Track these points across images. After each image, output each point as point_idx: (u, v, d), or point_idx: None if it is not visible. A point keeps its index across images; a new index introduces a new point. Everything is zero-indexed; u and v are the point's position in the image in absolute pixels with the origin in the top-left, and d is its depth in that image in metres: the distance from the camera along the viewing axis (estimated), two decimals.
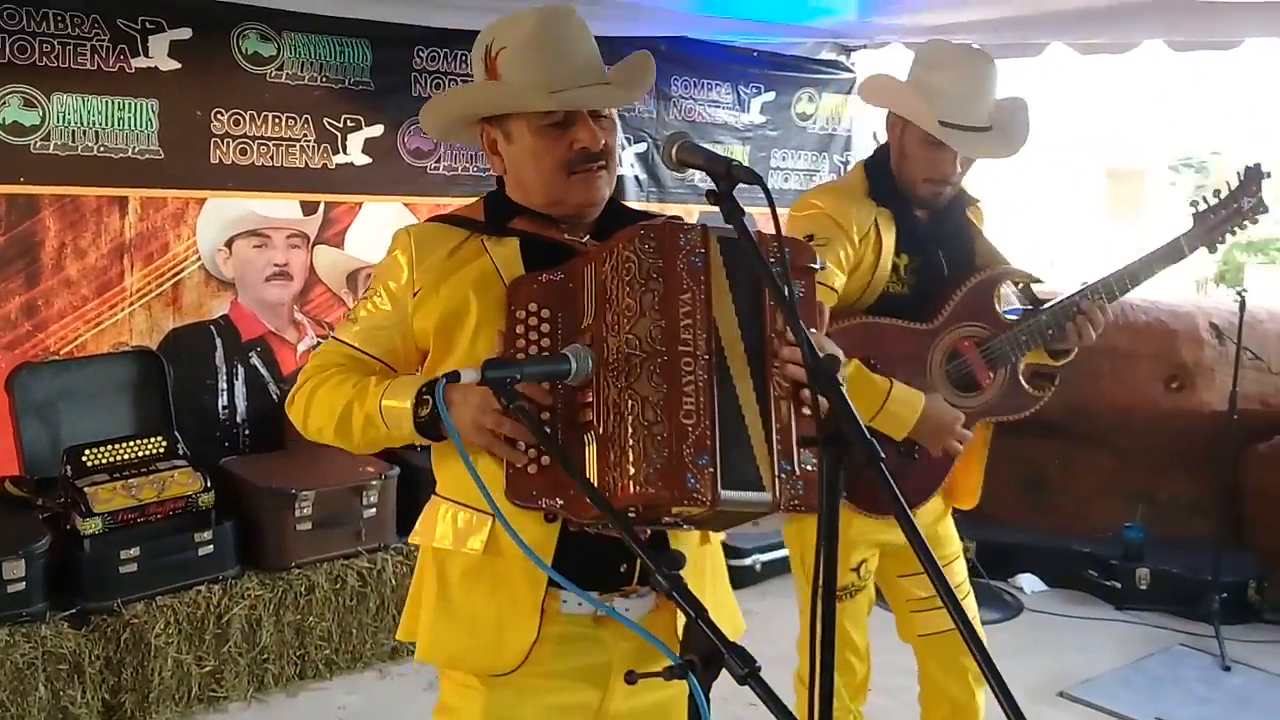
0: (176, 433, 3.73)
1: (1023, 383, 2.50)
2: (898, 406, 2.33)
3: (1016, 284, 2.53)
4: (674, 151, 1.50)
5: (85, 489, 3.39)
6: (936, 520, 2.61)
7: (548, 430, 1.51)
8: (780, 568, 4.71)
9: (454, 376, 1.38)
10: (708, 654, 1.09)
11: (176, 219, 3.97)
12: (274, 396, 4.21)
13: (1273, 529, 4.72)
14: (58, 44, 3.64)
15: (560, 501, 1.53)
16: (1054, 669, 4.03)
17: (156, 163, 3.87)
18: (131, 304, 3.89)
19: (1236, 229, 2.52)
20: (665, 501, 1.44)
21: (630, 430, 1.44)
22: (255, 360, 4.17)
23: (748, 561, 4.69)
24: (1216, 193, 2.53)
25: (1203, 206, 2.53)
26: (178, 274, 3.99)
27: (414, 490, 3.84)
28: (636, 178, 5.15)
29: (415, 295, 1.69)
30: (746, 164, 5.23)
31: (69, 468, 3.46)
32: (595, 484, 1.47)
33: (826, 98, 5.73)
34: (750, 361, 1.49)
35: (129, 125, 3.81)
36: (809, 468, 1.51)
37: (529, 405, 1.48)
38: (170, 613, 3.45)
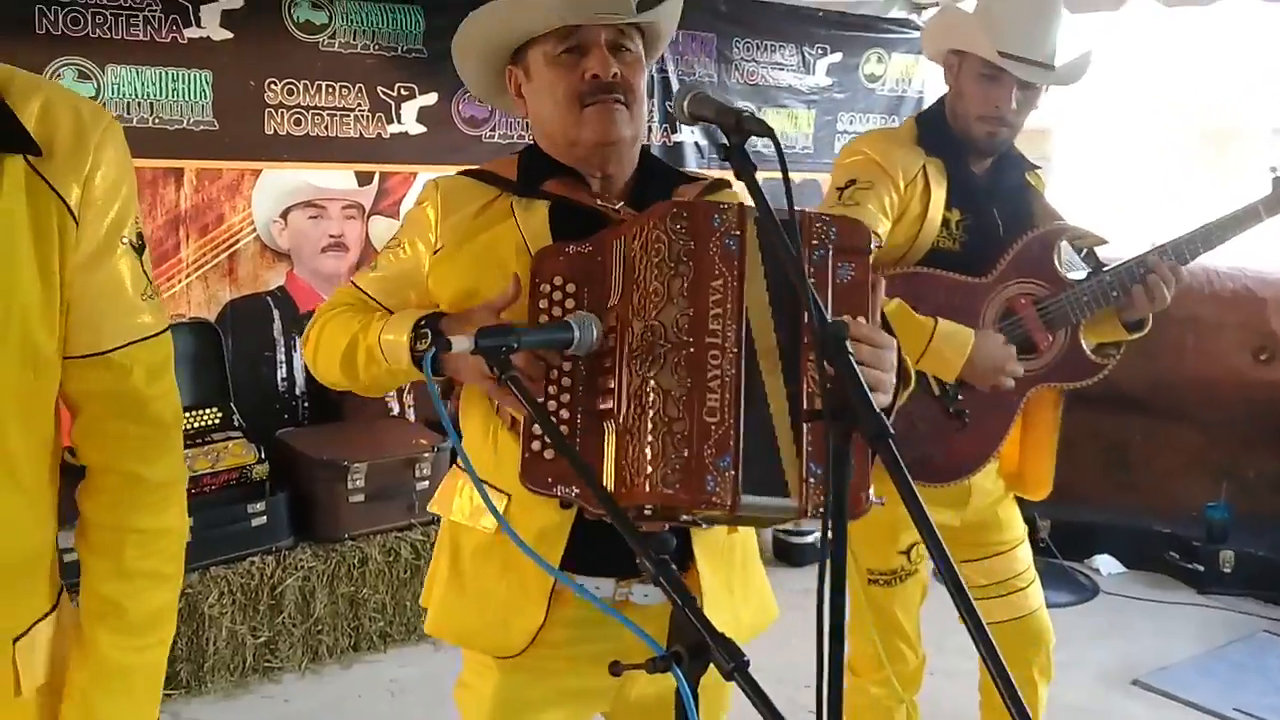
0: (233, 404, 3.74)
1: (1084, 348, 2.34)
2: (944, 345, 2.19)
3: (1080, 247, 2.37)
4: (685, 104, 1.40)
5: None
6: (995, 502, 2.47)
7: (557, 406, 1.43)
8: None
9: (445, 345, 1.30)
10: (695, 646, 1.00)
11: (232, 190, 3.96)
12: None
13: None
14: (110, 15, 3.63)
15: (576, 490, 1.44)
16: (1129, 655, 3.86)
17: (211, 134, 3.87)
18: (188, 275, 3.90)
19: None
20: (683, 504, 1.37)
21: (650, 425, 1.35)
22: None
23: (809, 539, 4.58)
24: None
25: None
26: (233, 245, 3.99)
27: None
28: (697, 144, 5.03)
29: (436, 253, 1.63)
30: (812, 129, 5.07)
31: None
32: (613, 476, 1.40)
33: (896, 58, 5.53)
34: (783, 355, 1.38)
35: (183, 96, 3.81)
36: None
37: (549, 383, 1.42)
38: (224, 583, 3.46)
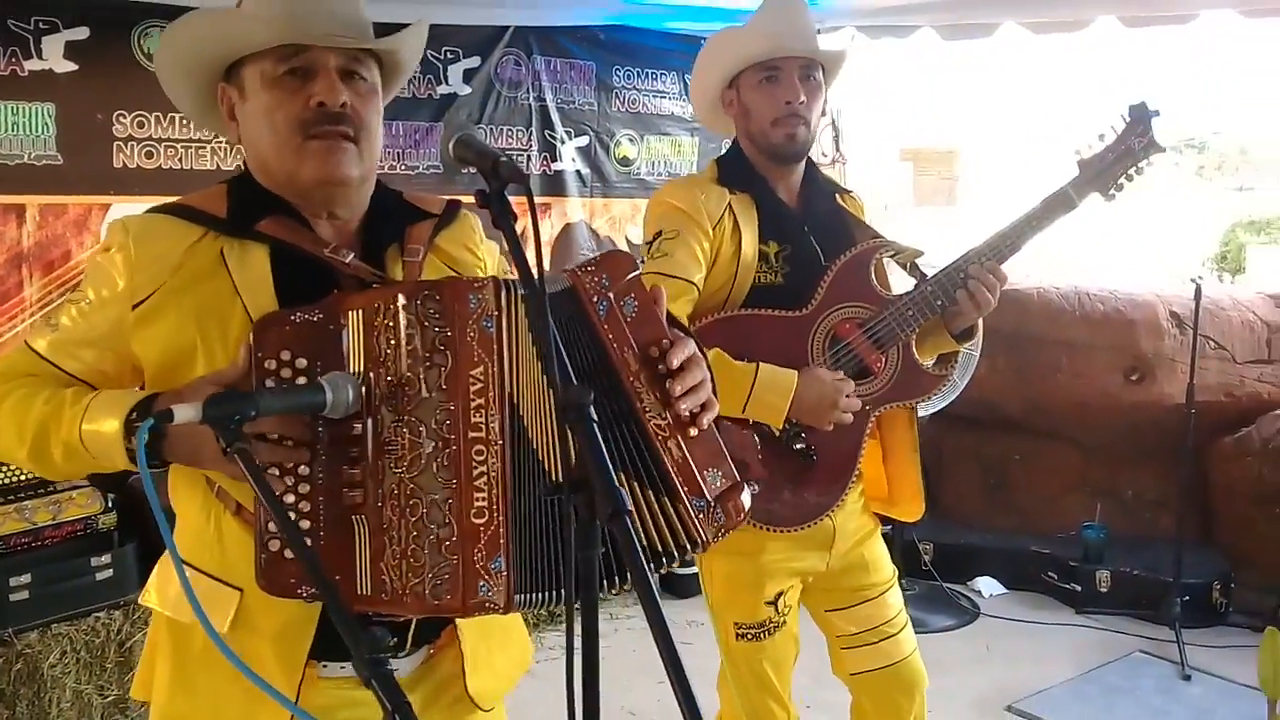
0: None
1: (920, 362, 2.29)
2: (766, 392, 2.13)
3: (901, 262, 2.33)
4: (451, 148, 1.33)
5: None
6: (861, 542, 2.40)
7: (295, 498, 1.29)
8: None
9: (166, 416, 1.18)
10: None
11: (79, 226, 3.79)
12: None
13: (1237, 526, 4.56)
14: None
15: (310, 592, 1.30)
16: (1006, 680, 3.87)
17: (55, 168, 3.70)
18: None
19: (1133, 172, 2.29)
20: (455, 612, 1.32)
21: (415, 533, 1.28)
22: None
23: (693, 570, 4.52)
24: (1101, 136, 2.30)
25: (1087, 154, 2.30)
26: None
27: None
28: (579, 172, 4.97)
29: (135, 309, 1.41)
30: (696, 155, 5.04)
31: None
32: (369, 580, 1.30)
33: None
34: (617, 420, 1.35)
35: (24, 130, 3.64)
36: (713, 484, 1.41)
37: (284, 458, 1.29)
38: (67, 641, 3.27)
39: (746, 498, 1.43)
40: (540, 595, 1.30)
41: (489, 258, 1.65)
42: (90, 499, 3.41)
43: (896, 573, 2.49)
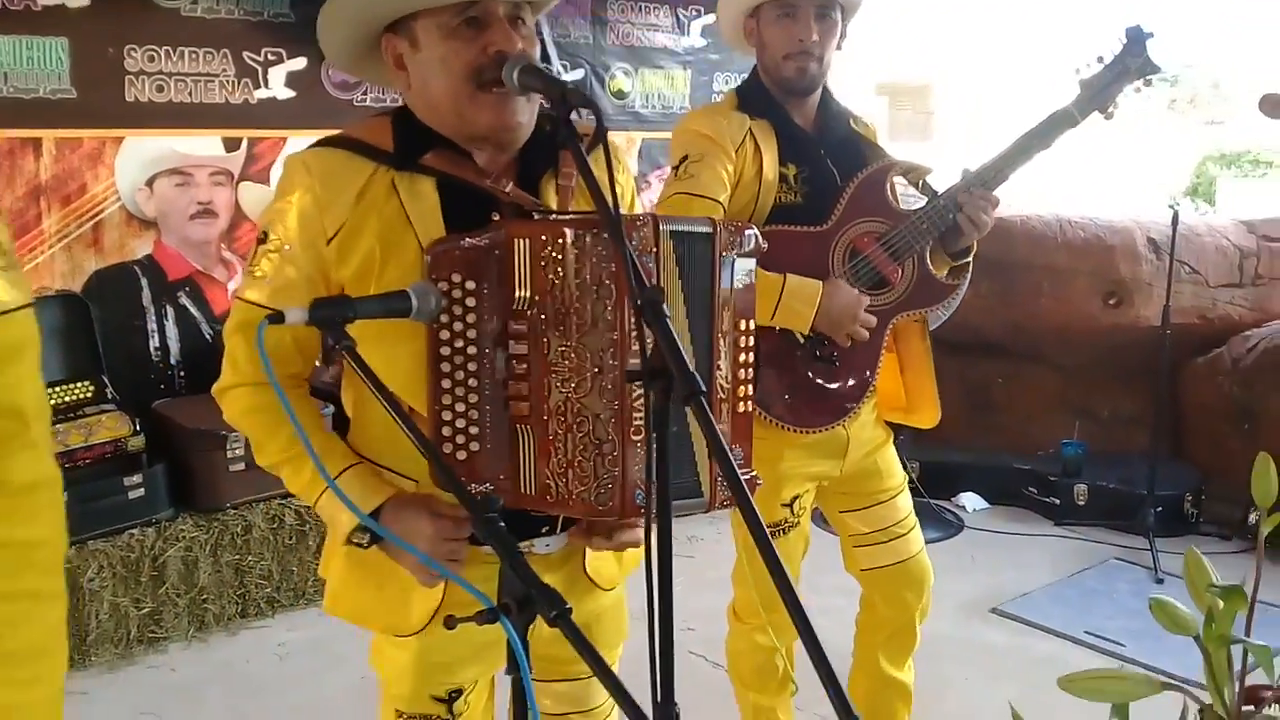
0: (105, 376, 3.70)
1: (933, 272, 2.43)
2: (793, 299, 2.28)
3: (913, 180, 2.47)
4: (515, 75, 1.45)
5: None
6: (874, 450, 2.56)
7: (465, 407, 1.47)
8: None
9: (278, 317, 1.33)
10: (522, 598, 1.09)
11: (93, 159, 3.88)
12: (207, 337, 4.16)
13: (1208, 442, 4.79)
14: None
15: (490, 486, 1.49)
16: (989, 586, 4.09)
17: (69, 101, 3.78)
18: (51, 246, 3.83)
19: (1130, 90, 2.43)
20: (614, 515, 1.47)
21: (581, 446, 1.44)
22: (185, 300, 4.12)
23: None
24: (1100, 58, 2.43)
25: (1087, 73, 2.43)
26: (97, 215, 3.91)
27: (347, 429, 3.83)
28: None
29: (330, 242, 1.53)
30: (688, 89, 5.13)
31: None
32: (533, 482, 1.47)
33: None
34: (697, 364, 1.47)
35: (38, 65, 3.71)
36: (738, 460, 1.56)
37: (456, 381, 1.47)
38: (104, 556, 3.45)
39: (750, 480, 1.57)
40: (685, 502, 1.45)
41: (629, 182, 1.78)
42: (119, 422, 3.56)
43: (907, 479, 2.67)
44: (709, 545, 4.04)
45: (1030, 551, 4.46)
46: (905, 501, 2.61)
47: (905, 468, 2.71)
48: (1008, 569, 4.27)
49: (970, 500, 4.97)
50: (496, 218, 1.55)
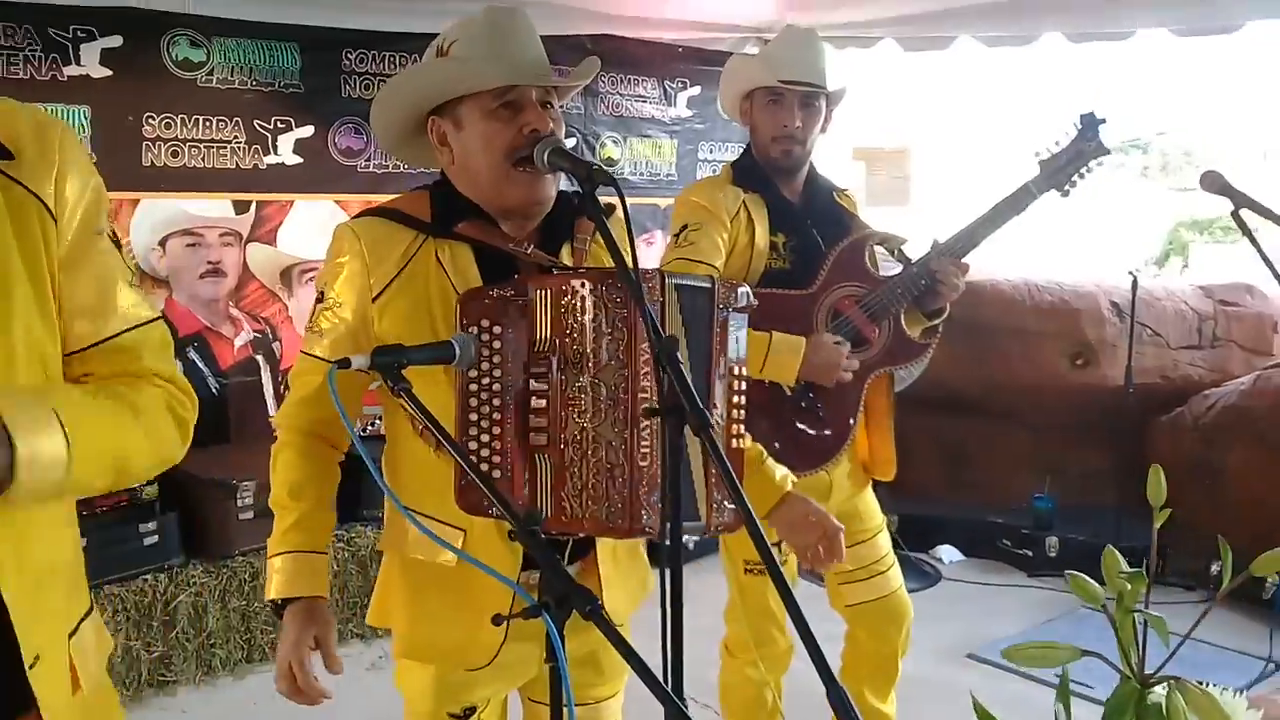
0: None
1: (907, 332, 2.67)
2: (780, 353, 2.49)
3: (889, 248, 2.70)
4: (545, 156, 1.66)
5: None
6: (853, 495, 2.77)
7: (489, 439, 1.65)
8: (711, 546, 4.91)
9: (345, 363, 1.53)
10: (560, 597, 1.27)
11: (110, 219, 4.07)
12: (213, 390, 4.32)
13: (1173, 496, 4.94)
14: None
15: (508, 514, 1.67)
16: (965, 633, 4.27)
17: None
18: None
19: (1084, 171, 2.66)
20: (620, 534, 1.66)
21: (594, 469, 1.62)
22: (193, 355, 4.28)
23: (683, 540, 4.88)
24: (1057, 142, 2.68)
25: (1045, 155, 2.68)
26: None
27: (355, 480, 3.99)
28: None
29: (375, 300, 1.73)
30: (675, 157, 5.39)
31: None
32: (550, 504, 1.64)
33: None
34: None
35: None
36: (730, 505, 1.73)
37: (482, 417, 1.64)
38: (118, 600, 3.57)
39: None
40: (687, 524, 1.58)
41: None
42: None
43: (885, 521, 2.87)
44: (695, 594, 4.19)
45: (1004, 600, 4.64)
46: (885, 541, 2.82)
47: (885, 520, 2.90)
48: (982, 617, 4.44)
49: (947, 553, 5.15)
50: (522, 275, 1.75)
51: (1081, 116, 2.67)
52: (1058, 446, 5.30)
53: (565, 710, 1.30)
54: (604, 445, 1.62)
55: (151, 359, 1.32)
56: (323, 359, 1.76)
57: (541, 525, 1.68)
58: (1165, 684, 1.29)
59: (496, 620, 1.36)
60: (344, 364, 1.52)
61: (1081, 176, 2.68)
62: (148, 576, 3.66)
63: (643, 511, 1.61)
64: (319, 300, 1.81)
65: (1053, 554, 4.89)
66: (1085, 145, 2.65)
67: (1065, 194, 2.70)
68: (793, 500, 2.04)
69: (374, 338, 1.75)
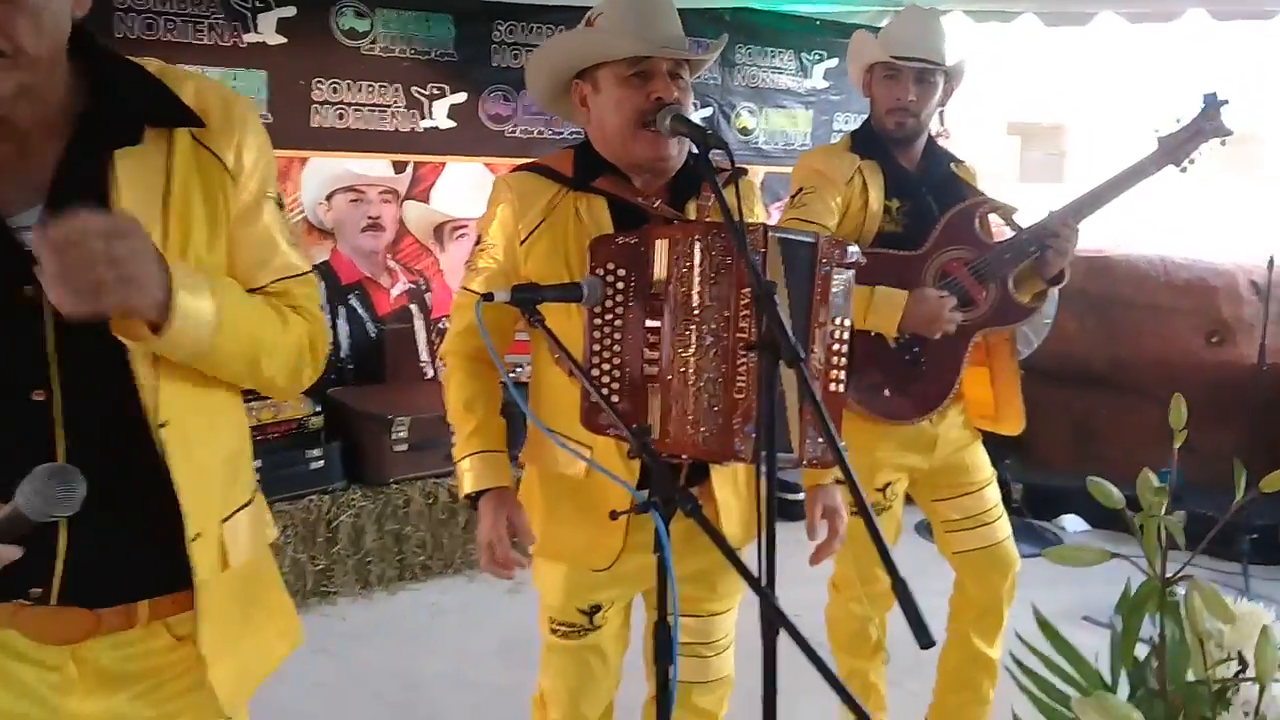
0: None
1: (1014, 295, 2.75)
2: (883, 304, 2.62)
3: (1001, 216, 2.79)
4: (667, 122, 1.86)
5: None
6: (963, 448, 2.87)
7: (610, 368, 1.87)
8: None
9: (489, 297, 1.75)
10: (666, 498, 1.47)
11: (283, 176, 4.43)
12: (372, 335, 4.69)
13: None
14: (180, 21, 4.10)
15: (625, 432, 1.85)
16: (1082, 597, 4.29)
17: (266, 125, 4.27)
18: None
19: (1204, 148, 2.71)
20: (716, 458, 1.86)
21: (693, 399, 1.80)
22: (354, 302, 4.65)
23: (800, 496, 5.05)
24: (1178, 119, 2.74)
25: (1164, 131, 2.74)
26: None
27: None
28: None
29: (523, 244, 1.96)
30: (810, 127, 5.52)
31: None
32: (658, 427, 1.83)
33: None
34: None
35: (243, 93, 4.28)
36: (820, 440, 1.87)
37: (605, 349, 1.86)
38: (287, 517, 3.96)
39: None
40: (779, 455, 1.73)
41: (761, 211, 2.16)
42: (302, 403, 4.08)
43: (995, 474, 2.95)
44: (807, 546, 4.36)
45: (1125, 570, 4.64)
46: (993, 494, 2.91)
47: (1009, 489, 2.98)
48: (1100, 584, 4.41)
49: (1071, 522, 5.18)
50: (648, 225, 1.96)
51: (1204, 96, 2.73)
52: (1189, 423, 5.22)
53: (669, 595, 1.51)
54: (704, 378, 1.80)
55: (300, 300, 1.49)
56: (477, 293, 1.97)
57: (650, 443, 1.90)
58: (1184, 584, 1.43)
59: (613, 515, 1.57)
60: (488, 298, 1.75)
61: (1200, 154, 2.74)
62: (313, 497, 4.04)
63: (735, 439, 1.77)
64: (477, 242, 2.06)
65: (1180, 540, 4.85)
66: (1205, 124, 2.70)
67: (1183, 170, 2.75)
68: (831, 490, 2.17)
69: (522, 277, 1.97)
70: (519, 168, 2.07)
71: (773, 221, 2.09)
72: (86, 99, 1.34)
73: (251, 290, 1.45)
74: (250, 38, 4.27)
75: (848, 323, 1.96)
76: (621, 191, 1.99)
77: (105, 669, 1.40)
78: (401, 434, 4.15)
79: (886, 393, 2.73)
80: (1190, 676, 1.45)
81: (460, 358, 2.08)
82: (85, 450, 1.27)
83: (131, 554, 1.35)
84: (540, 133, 5.00)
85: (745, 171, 2.12)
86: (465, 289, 2.08)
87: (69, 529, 1.31)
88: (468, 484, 2.01)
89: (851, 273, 1.97)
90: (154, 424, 1.34)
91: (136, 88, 1.36)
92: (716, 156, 1.79)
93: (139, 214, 1.27)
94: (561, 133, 5.02)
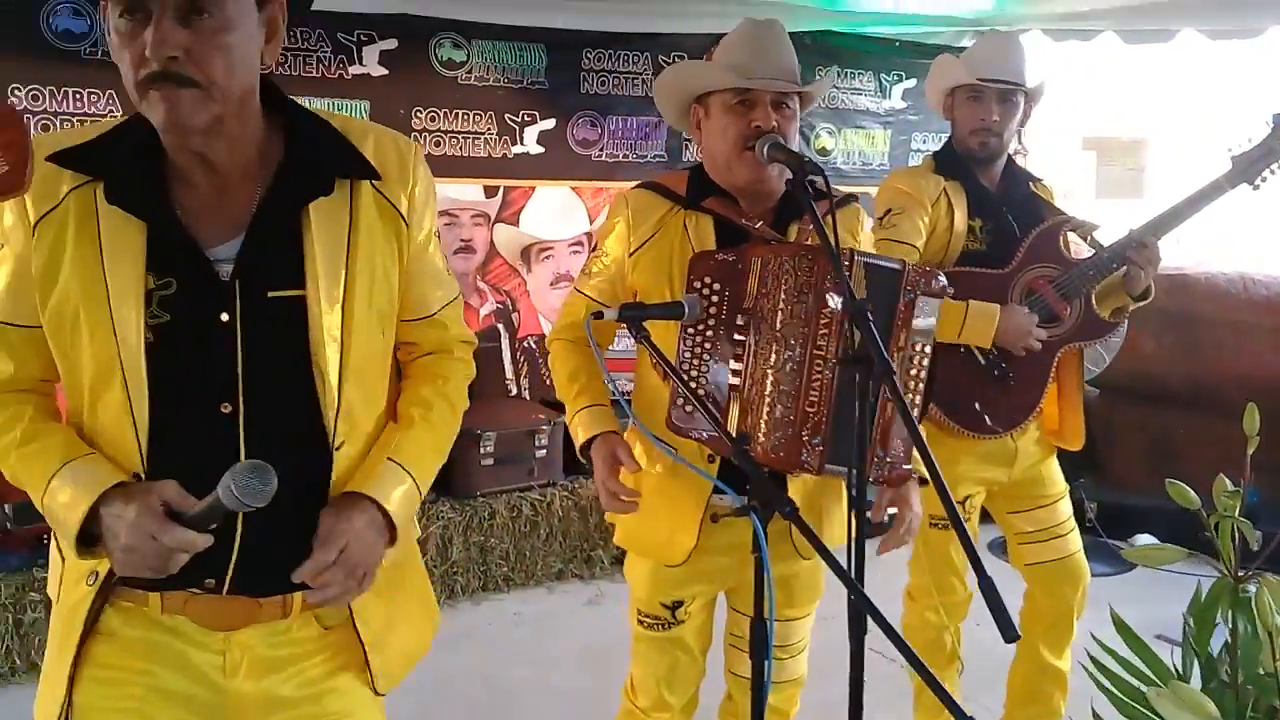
0: None
1: (1097, 311, 2.85)
2: (977, 319, 2.71)
3: (1083, 234, 2.88)
4: (767, 150, 2.01)
5: None
6: (1038, 462, 2.97)
7: (698, 374, 2.02)
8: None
9: (599, 315, 1.91)
10: (765, 501, 1.61)
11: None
12: None
13: None
14: (289, 55, 4.35)
15: (706, 434, 2.01)
16: (1156, 614, 4.31)
17: None
18: None
19: (1276, 168, 2.78)
20: (783, 467, 1.98)
21: (767, 408, 1.95)
22: None
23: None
24: (1250, 139, 2.80)
25: (1237, 151, 2.81)
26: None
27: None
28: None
29: (632, 255, 2.14)
30: (888, 146, 5.63)
31: None
32: (734, 430, 1.97)
33: None
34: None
35: None
36: (894, 455, 2.01)
37: (697, 359, 2.01)
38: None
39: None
40: (842, 469, 1.90)
41: (865, 239, 2.28)
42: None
43: (1068, 489, 3.05)
44: (887, 563, 4.45)
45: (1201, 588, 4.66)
46: (1066, 508, 3.01)
47: (1084, 508, 3.06)
48: (1174, 603, 4.46)
49: (1146, 541, 5.19)
50: (747, 244, 2.11)
51: (1273, 115, 2.80)
52: (1266, 442, 5.19)
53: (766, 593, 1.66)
54: (780, 390, 1.94)
55: (455, 328, 1.71)
56: (588, 295, 2.22)
57: (718, 449, 2.04)
58: (1255, 582, 1.53)
59: (714, 518, 1.72)
60: (598, 315, 1.92)
61: (1273, 171, 2.81)
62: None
63: (802, 450, 1.92)
64: (594, 249, 2.26)
65: (1255, 548, 4.85)
66: (1276, 144, 2.78)
67: (1256, 188, 2.83)
68: (910, 484, 2.24)
69: (628, 286, 2.16)
70: (639, 185, 2.25)
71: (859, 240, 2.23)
72: (281, 149, 1.49)
73: (423, 317, 1.66)
74: (355, 70, 4.51)
75: (929, 349, 2.06)
76: (728, 212, 2.15)
77: (259, 654, 1.55)
78: (489, 448, 4.34)
79: (976, 406, 2.83)
80: (1260, 670, 1.56)
81: (564, 338, 2.28)
82: (263, 459, 1.38)
83: (293, 551, 1.48)
84: (625, 156, 5.17)
85: (855, 198, 2.26)
86: (578, 291, 2.27)
87: (244, 525, 1.46)
88: (580, 435, 2.17)
89: (939, 300, 2.07)
90: (332, 445, 1.52)
91: (326, 141, 1.52)
92: (819, 182, 1.92)
93: (325, 258, 1.46)
94: (645, 156, 5.20)
